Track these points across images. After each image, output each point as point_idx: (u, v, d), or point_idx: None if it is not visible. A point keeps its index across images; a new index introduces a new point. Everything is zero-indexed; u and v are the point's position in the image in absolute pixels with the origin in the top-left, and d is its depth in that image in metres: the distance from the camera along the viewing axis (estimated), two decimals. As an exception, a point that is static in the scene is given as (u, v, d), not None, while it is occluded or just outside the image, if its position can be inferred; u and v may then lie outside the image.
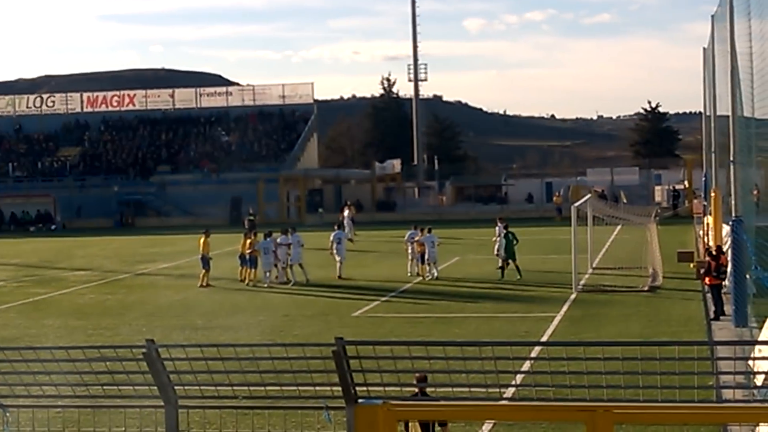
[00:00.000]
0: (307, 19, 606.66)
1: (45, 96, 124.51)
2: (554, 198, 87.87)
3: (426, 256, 43.11)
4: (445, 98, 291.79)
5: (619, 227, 50.69)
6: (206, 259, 43.68)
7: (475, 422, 17.86)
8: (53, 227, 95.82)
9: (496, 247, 44.71)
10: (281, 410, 11.47)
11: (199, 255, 44.27)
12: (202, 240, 44.24)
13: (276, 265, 43.32)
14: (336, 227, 47.66)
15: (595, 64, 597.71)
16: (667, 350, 9.17)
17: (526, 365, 11.29)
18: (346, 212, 66.79)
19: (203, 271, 43.52)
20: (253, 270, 43.57)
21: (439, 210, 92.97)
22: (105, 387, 11.01)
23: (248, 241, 44.27)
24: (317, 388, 10.27)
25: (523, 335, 28.50)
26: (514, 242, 42.35)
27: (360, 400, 9.36)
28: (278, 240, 43.70)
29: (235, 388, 10.54)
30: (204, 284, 43.05)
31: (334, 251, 44.82)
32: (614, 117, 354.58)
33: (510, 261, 42.25)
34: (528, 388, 10.61)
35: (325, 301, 37.40)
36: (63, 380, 11.18)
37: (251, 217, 66.95)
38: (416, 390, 12.32)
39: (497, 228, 45.61)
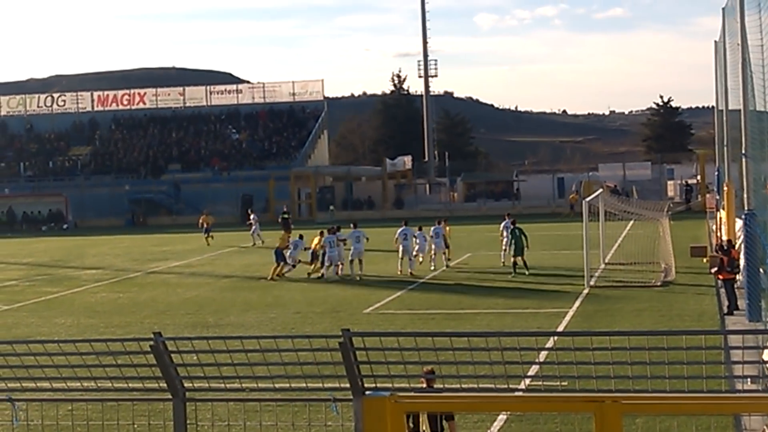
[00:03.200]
0: (316, 16, 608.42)
1: (56, 95, 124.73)
2: (571, 196, 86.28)
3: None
4: (456, 94, 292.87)
5: (631, 222, 50.56)
6: (280, 252, 44.06)
7: (486, 416, 17.80)
8: (65, 226, 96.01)
9: (504, 242, 45.24)
10: (289, 403, 11.46)
11: (274, 249, 44.81)
12: (281, 234, 44.51)
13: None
14: (404, 223, 46.61)
15: (606, 59, 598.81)
16: (676, 341, 9.11)
17: (535, 357, 11.25)
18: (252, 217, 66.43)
19: (276, 264, 43.98)
20: (314, 263, 44.30)
21: (450, 206, 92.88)
22: (113, 381, 10.98)
23: (317, 238, 44.63)
24: (325, 381, 10.24)
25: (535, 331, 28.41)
26: (523, 237, 42.25)
27: (367, 392, 9.32)
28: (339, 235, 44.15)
29: (243, 382, 10.51)
30: (277, 275, 43.61)
31: (401, 247, 44.76)
32: (626, 112, 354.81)
33: (518, 256, 42.23)
34: (537, 379, 10.57)
35: (337, 298, 37.34)
36: (72, 375, 11.16)
37: (285, 215, 66.27)
38: (424, 384, 12.28)
39: (503, 224, 46.18)
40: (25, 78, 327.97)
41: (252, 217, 65.60)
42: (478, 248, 52.45)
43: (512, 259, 42.51)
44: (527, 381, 10.76)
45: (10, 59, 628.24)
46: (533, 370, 12.41)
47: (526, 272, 41.63)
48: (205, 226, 65.18)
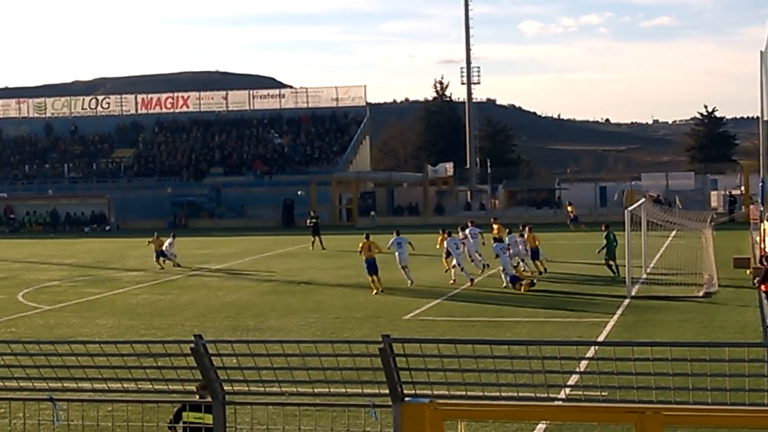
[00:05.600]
0: (359, 22, 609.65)
1: (100, 98, 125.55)
2: (568, 207, 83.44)
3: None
4: (498, 102, 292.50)
5: (674, 232, 50.29)
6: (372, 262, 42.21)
7: (526, 425, 17.74)
8: (107, 228, 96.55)
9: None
10: (328, 408, 11.46)
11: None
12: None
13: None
14: (448, 234, 46.58)
15: (651, 68, 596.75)
16: (718, 352, 9.05)
17: (575, 366, 11.18)
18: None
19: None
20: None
21: (491, 214, 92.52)
22: (154, 383, 11.02)
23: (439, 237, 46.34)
24: (364, 387, 10.23)
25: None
26: (615, 243, 43.16)
27: (406, 399, 9.32)
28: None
29: (282, 386, 10.52)
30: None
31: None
32: (670, 121, 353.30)
33: (611, 260, 43.27)
34: (577, 389, 10.52)
35: (376, 304, 37.34)
36: (112, 376, 11.21)
37: (314, 219, 66.22)
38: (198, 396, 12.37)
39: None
40: (71, 80, 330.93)
41: (169, 241, 55.56)
42: (518, 256, 52.22)
43: (608, 263, 43.45)
44: (567, 390, 10.70)
45: (55, 61, 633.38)
46: (573, 379, 12.35)
47: (617, 276, 42.25)
48: (157, 250, 55.53)
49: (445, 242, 45.47)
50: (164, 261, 54.16)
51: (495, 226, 50.43)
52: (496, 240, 44.07)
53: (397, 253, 43.30)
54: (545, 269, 45.67)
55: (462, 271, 43.15)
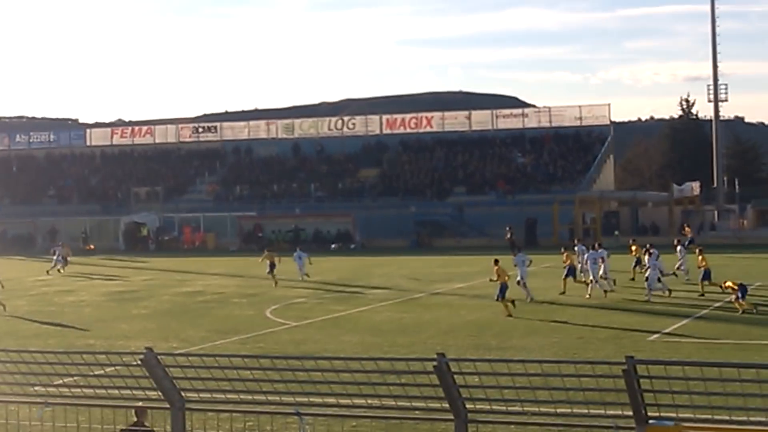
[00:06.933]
0: (603, 41, 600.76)
1: (346, 118, 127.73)
2: (686, 228, 78.08)
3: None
4: (747, 119, 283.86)
5: None
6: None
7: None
8: (352, 246, 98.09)
9: None
10: (570, 429, 11.39)
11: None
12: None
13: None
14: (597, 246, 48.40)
15: None
16: None
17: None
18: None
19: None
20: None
21: (739, 234, 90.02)
22: (397, 399, 11.17)
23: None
24: (607, 408, 10.13)
25: (829, 364, 27.19)
26: None
27: (651, 421, 9.18)
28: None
29: (524, 405, 10.52)
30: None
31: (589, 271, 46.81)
32: None
33: None
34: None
35: (620, 324, 36.82)
36: (357, 391, 11.42)
37: (509, 235, 67.67)
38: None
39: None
40: (317, 102, 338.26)
41: (298, 253, 60.72)
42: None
43: None
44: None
45: (303, 84, 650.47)
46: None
47: None
48: (269, 263, 57.65)
49: (576, 258, 48.39)
50: (274, 276, 56.59)
51: (633, 248, 53.90)
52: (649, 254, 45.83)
53: (520, 270, 45.80)
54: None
55: (597, 284, 45.50)
